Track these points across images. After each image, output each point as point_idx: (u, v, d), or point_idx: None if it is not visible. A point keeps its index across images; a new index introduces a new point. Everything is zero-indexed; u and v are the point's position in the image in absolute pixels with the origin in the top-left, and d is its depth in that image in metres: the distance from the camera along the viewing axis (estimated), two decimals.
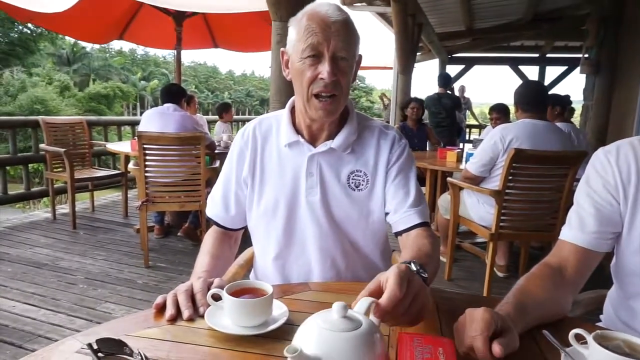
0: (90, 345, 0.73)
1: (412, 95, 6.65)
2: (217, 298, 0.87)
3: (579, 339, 0.75)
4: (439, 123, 5.92)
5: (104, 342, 0.74)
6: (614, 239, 1.02)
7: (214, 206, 1.29)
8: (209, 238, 1.26)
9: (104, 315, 2.56)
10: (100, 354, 0.72)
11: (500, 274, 3.26)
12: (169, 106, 3.68)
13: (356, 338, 0.62)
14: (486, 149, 2.87)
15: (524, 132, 2.76)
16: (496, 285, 2.85)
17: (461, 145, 4.54)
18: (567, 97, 4.26)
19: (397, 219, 1.19)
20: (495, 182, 2.79)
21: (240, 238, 1.35)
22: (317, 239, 1.20)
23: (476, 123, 11.47)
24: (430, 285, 0.96)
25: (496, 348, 0.68)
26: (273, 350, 0.77)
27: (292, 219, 1.21)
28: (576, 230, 1.01)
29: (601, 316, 1.16)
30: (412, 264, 0.85)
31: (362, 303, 0.70)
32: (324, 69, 1.05)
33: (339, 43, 1.05)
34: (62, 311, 2.59)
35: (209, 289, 0.90)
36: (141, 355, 0.71)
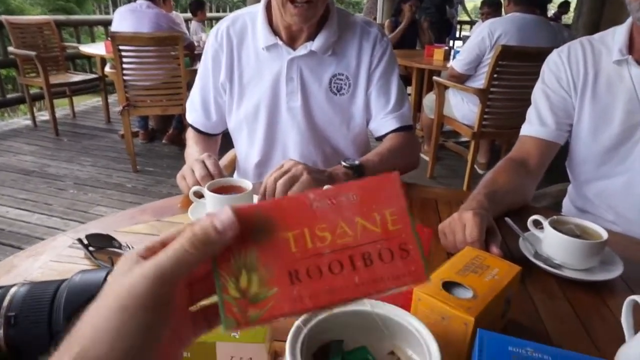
0: (80, 240, 0.77)
1: None
2: (199, 196, 0.91)
3: (537, 224, 0.82)
4: (428, 15, 5.65)
5: (93, 237, 0.78)
6: (570, 131, 1.10)
7: (194, 112, 1.26)
8: (193, 137, 1.27)
9: (97, 217, 2.63)
10: (90, 248, 0.77)
11: (480, 171, 3.37)
12: (141, 3, 3.44)
13: None
14: (473, 46, 2.80)
15: (512, 27, 2.68)
16: (476, 182, 2.95)
17: (450, 42, 4.38)
18: None
19: (375, 125, 1.21)
20: (480, 81, 2.76)
21: (220, 140, 1.36)
22: (299, 145, 1.21)
23: (468, 19, 10.97)
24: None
25: (495, 250, 0.75)
26: None
27: (273, 125, 1.20)
28: (537, 125, 1.10)
29: (562, 210, 1.26)
30: (343, 161, 1.01)
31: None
32: None
33: None
34: (56, 215, 2.67)
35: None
36: (129, 248, 0.75)
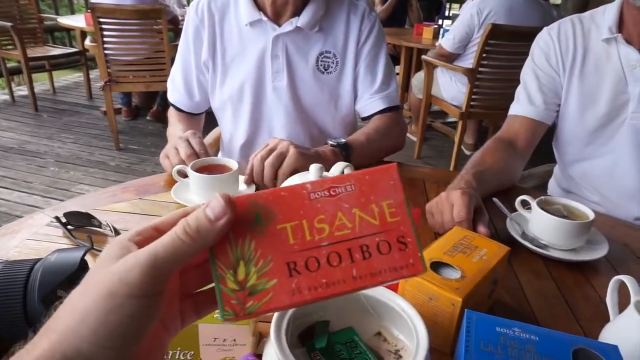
0: (58, 218, 0.75)
1: None
2: (183, 175, 0.88)
3: (525, 205, 0.82)
4: None
5: (72, 215, 0.75)
6: (558, 111, 1.09)
7: (176, 92, 1.21)
8: (175, 115, 1.22)
9: (79, 196, 2.59)
10: (69, 227, 0.74)
11: (467, 152, 3.38)
12: None
13: None
14: (462, 24, 2.77)
15: (501, 5, 2.66)
16: (462, 163, 2.96)
17: (440, 21, 4.33)
18: None
19: (361, 105, 1.18)
20: (469, 60, 2.74)
21: (203, 118, 1.31)
22: (285, 126, 1.17)
23: None
24: (365, 156, 1.03)
25: (483, 230, 0.74)
26: None
27: (258, 105, 1.16)
28: (525, 104, 1.09)
29: (548, 190, 1.27)
30: (329, 140, 0.98)
31: (337, 166, 0.77)
32: None
33: None
34: (36, 193, 2.61)
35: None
36: (110, 227, 0.73)
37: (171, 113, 1.24)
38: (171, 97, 1.23)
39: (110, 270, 0.26)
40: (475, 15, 2.68)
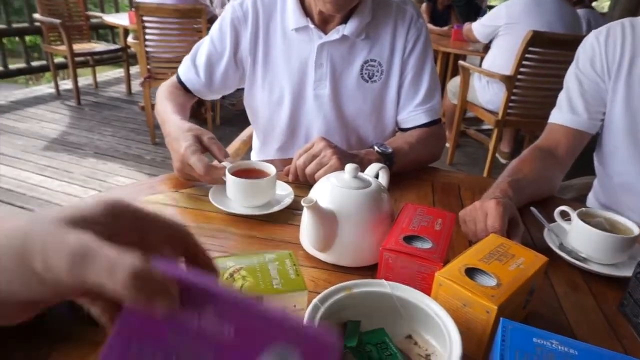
0: None
1: None
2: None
3: (564, 215, 0.79)
4: (455, 1, 5.51)
5: None
6: (602, 120, 1.04)
7: (193, 72, 1.14)
8: (172, 92, 1.13)
9: (116, 187, 2.68)
10: None
11: (503, 161, 3.30)
12: None
13: (365, 195, 0.68)
14: (489, 18, 2.94)
15: (529, 6, 2.68)
16: (497, 171, 2.89)
17: None
18: None
19: (404, 117, 1.15)
20: (504, 63, 2.68)
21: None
22: (323, 134, 1.14)
23: (498, 2, 10.64)
24: (409, 164, 1.04)
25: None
26: (275, 230, 0.82)
27: (297, 112, 1.15)
28: (567, 112, 1.04)
29: (587, 204, 1.22)
30: (375, 146, 0.99)
31: (372, 167, 0.79)
32: None
33: None
34: (76, 183, 2.71)
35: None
36: None
37: (168, 85, 1.16)
38: (184, 74, 1.15)
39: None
40: (502, 16, 2.78)
